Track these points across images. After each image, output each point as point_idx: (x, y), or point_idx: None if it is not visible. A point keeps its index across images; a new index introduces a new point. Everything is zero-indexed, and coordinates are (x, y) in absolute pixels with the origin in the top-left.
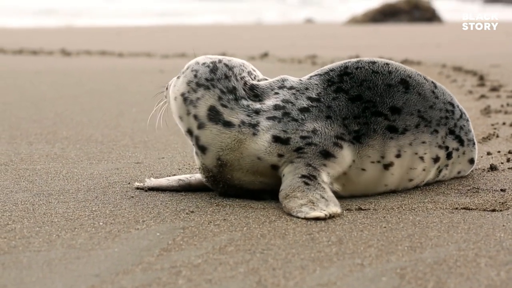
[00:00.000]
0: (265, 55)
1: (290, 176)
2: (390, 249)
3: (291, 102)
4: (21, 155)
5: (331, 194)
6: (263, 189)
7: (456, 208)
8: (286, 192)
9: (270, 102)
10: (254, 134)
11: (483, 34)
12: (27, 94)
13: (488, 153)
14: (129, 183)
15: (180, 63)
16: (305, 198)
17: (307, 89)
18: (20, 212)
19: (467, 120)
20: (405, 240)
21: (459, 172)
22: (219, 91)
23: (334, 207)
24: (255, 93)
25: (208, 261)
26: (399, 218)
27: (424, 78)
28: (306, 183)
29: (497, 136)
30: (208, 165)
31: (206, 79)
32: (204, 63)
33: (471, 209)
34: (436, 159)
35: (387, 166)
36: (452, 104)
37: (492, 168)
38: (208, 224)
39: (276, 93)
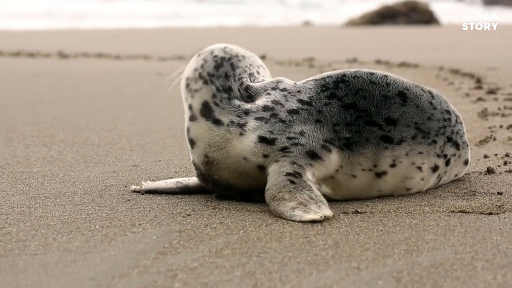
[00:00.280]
0: (262, 57)
1: (275, 175)
2: (387, 253)
3: (281, 104)
4: (18, 158)
5: (318, 193)
6: (251, 190)
7: (453, 211)
8: (273, 192)
9: (260, 102)
10: (241, 134)
11: (481, 37)
12: (24, 96)
13: (485, 156)
14: (125, 186)
15: (177, 66)
16: (294, 200)
17: (299, 92)
18: (16, 215)
19: (462, 123)
20: (401, 243)
21: (456, 175)
22: (215, 88)
23: (326, 210)
24: (249, 93)
25: (204, 265)
26: (395, 221)
27: (422, 89)
28: (292, 181)
29: (494, 139)
30: (196, 162)
31: (208, 73)
32: (215, 56)
33: (468, 212)
34: (435, 168)
35: (380, 174)
36: (448, 112)
37: (489, 171)
38: (205, 227)
39: (268, 94)
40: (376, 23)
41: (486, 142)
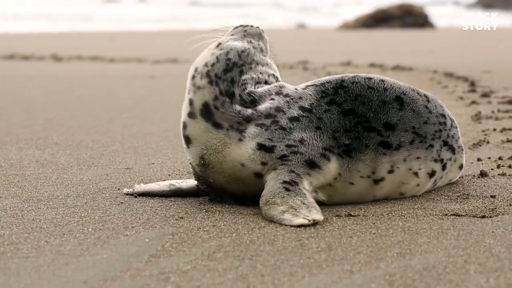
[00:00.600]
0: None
1: (272, 182)
2: (379, 256)
3: (283, 111)
4: (11, 161)
5: (312, 200)
6: (245, 196)
7: (446, 215)
8: (266, 198)
9: (263, 108)
10: (240, 139)
11: (475, 40)
12: (18, 99)
13: (479, 159)
14: (118, 189)
15: (171, 69)
16: (286, 204)
17: (300, 98)
18: (9, 218)
19: (456, 127)
20: (394, 246)
21: (450, 180)
22: (219, 91)
23: (317, 214)
24: (253, 97)
25: (196, 267)
26: (388, 225)
27: (418, 93)
28: (287, 189)
29: (488, 142)
30: (191, 162)
31: (216, 75)
32: (228, 59)
33: (461, 216)
34: (432, 174)
35: (377, 181)
36: (443, 116)
37: (482, 174)
38: (198, 230)
39: (272, 99)
40: (371, 26)
41: (480, 145)
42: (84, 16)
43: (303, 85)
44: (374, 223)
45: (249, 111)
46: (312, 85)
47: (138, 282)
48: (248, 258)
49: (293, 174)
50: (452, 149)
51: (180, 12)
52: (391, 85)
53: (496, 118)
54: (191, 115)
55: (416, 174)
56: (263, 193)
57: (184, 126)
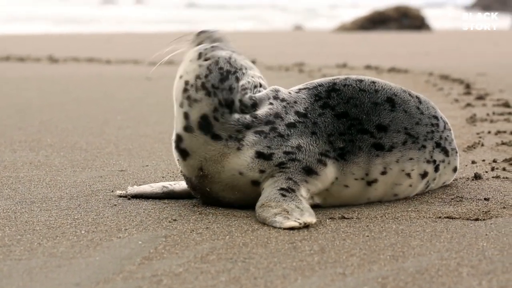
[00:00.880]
0: (252, 62)
1: (269, 189)
2: (372, 258)
3: (281, 117)
4: (5, 163)
5: (306, 205)
6: (240, 204)
7: (440, 217)
8: (262, 202)
9: (263, 114)
10: (238, 148)
11: (472, 42)
12: (13, 101)
13: (473, 162)
14: (112, 191)
15: (167, 71)
16: (279, 207)
17: (295, 102)
18: (2, 220)
19: (450, 130)
20: (387, 249)
21: (444, 182)
22: (218, 102)
23: (309, 217)
24: (254, 101)
25: (189, 270)
26: (382, 227)
27: (409, 95)
28: (283, 195)
29: (482, 145)
30: (187, 174)
31: (213, 86)
32: (221, 68)
33: (455, 218)
34: (424, 175)
35: (370, 183)
36: (436, 117)
37: (476, 177)
38: (191, 232)
39: (271, 104)
40: (368, 28)
41: (474, 148)
42: (81, 18)
43: (295, 88)
44: (367, 225)
45: (248, 118)
46: (304, 88)
47: (130, 285)
48: (241, 260)
49: (290, 181)
50: (445, 151)
51: (177, 14)
52: (382, 86)
53: (491, 121)
54: (187, 129)
55: (408, 175)
56: (259, 199)
57: (180, 140)
